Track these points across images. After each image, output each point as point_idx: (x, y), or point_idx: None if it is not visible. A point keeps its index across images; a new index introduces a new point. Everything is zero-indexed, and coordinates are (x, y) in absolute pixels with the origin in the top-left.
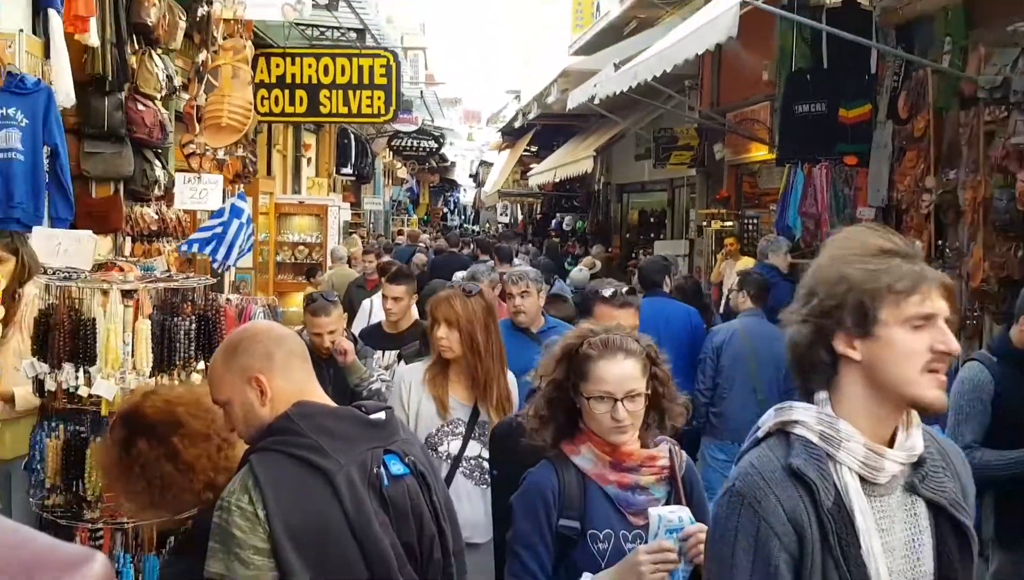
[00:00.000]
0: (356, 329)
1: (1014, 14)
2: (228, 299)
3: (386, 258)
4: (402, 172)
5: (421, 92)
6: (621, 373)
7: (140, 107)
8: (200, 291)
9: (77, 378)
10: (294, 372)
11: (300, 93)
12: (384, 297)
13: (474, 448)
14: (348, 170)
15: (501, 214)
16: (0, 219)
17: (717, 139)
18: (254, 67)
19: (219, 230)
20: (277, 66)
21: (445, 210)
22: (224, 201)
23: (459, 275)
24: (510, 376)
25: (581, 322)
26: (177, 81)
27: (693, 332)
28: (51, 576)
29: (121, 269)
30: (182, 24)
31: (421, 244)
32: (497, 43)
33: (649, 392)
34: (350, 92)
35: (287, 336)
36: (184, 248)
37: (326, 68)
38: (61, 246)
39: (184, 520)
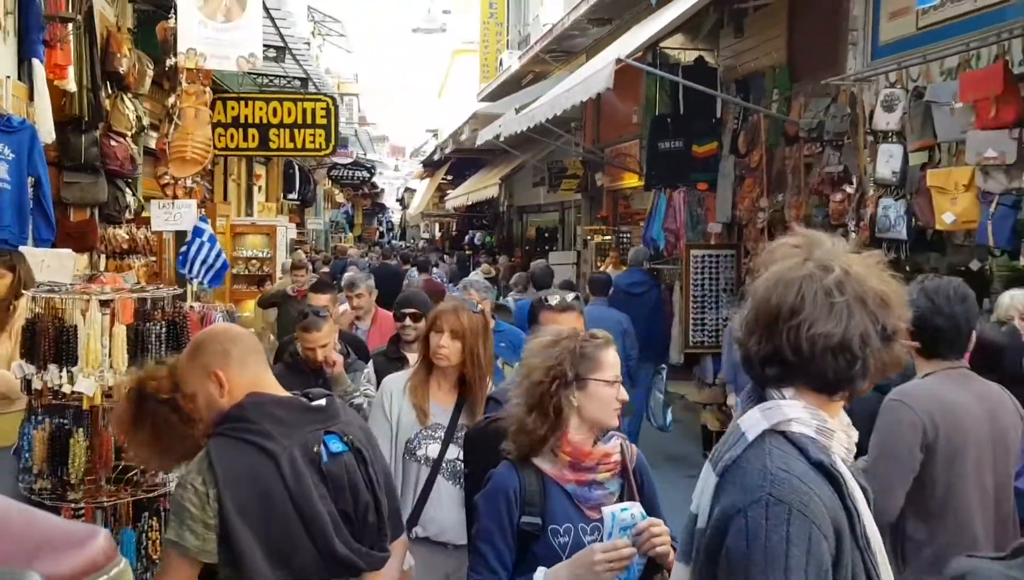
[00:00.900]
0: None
1: (826, 70)
2: (191, 306)
3: (325, 269)
4: (340, 197)
5: (355, 131)
6: (616, 360)
7: (113, 143)
8: (169, 300)
9: (61, 377)
10: (248, 366)
11: (252, 131)
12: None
13: (453, 451)
14: (293, 196)
15: (423, 232)
16: None
17: (598, 169)
18: (212, 109)
19: (184, 249)
20: (232, 108)
21: (380, 229)
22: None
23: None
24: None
25: (533, 328)
26: (145, 121)
27: (616, 325)
28: (63, 551)
29: (103, 281)
30: (150, 72)
31: (350, 257)
32: (417, 90)
33: None
34: (295, 130)
35: (242, 336)
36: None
37: (275, 110)
38: (44, 263)
39: (159, 497)
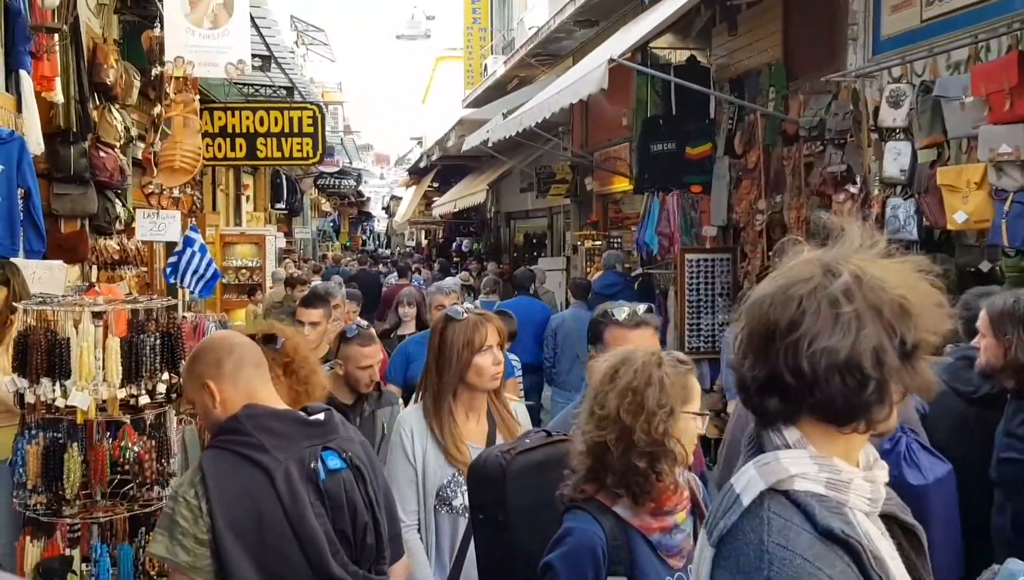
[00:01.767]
0: None
1: (824, 67)
2: (184, 316)
3: (316, 278)
4: (326, 206)
5: (341, 140)
6: (699, 388)
7: (102, 154)
8: (162, 311)
9: (54, 391)
10: (242, 379)
11: (240, 141)
12: (299, 322)
13: None
14: (281, 205)
15: (409, 239)
16: None
17: (587, 174)
18: (200, 118)
19: (174, 260)
20: (219, 118)
21: (364, 237)
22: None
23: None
24: (518, 406)
25: (597, 347)
26: (134, 132)
27: (543, 319)
28: None
29: (97, 292)
30: (137, 83)
31: (345, 265)
32: (401, 98)
33: None
34: (282, 139)
35: (239, 346)
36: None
37: (261, 120)
38: (35, 275)
39: (155, 512)
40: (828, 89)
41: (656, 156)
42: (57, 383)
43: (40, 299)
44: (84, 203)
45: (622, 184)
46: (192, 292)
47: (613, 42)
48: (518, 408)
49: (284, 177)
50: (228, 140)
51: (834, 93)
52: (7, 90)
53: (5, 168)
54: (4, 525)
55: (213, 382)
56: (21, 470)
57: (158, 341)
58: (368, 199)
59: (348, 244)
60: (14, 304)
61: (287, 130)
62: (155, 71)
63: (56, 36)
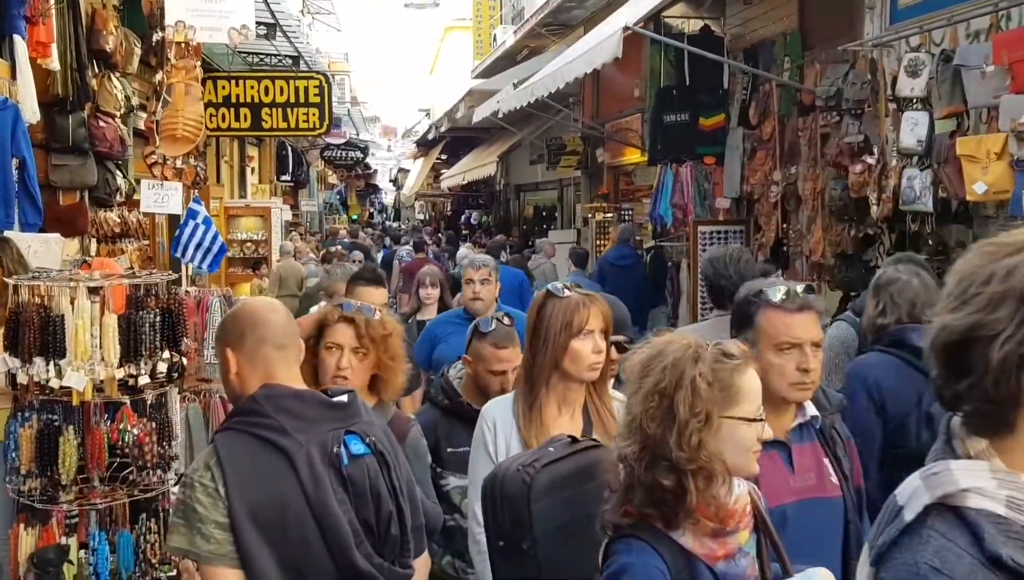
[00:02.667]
0: None
1: (840, 36)
2: (187, 291)
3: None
4: (333, 178)
5: (348, 111)
6: (758, 386)
7: (102, 124)
8: (163, 286)
9: (48, 371)
10: (260, 357)
11: (244, 111)
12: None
13: None
14: (287, 177)
15: (418, 213)
16: None
17: (598, 145)
18: (203, 87)
19: (177, 233)
20: (223, 88)
21: (372, 210)
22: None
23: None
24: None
25: (748, 335)
26: (135, 101)
27: (520, 285)
28: None
29: (88, 266)
30: (137, 51)
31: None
32: (408, 69)
33: None
34: (288, 110)
35: (267, 323)
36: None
37: (266, 89)
38: (31, 249)
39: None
40: (845, 59)
41: (669, 127)
42: (51, 363)
43: (33, 274)
44: (83, 174)
45: (634, 156)
46: (198, 267)
47: (626, 11)
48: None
49: (290, 149)
50: (232, 110)
51: (851, 63)
52: (0, 56)
53: None
54: None
55: (231, 352)
56: (14, 454)
57: (158, 318)
58: (375, 171)
59: (355, 218)
60: (5, 280)
61: (293, 100)
62: (156, 37)
63: (52, 0)
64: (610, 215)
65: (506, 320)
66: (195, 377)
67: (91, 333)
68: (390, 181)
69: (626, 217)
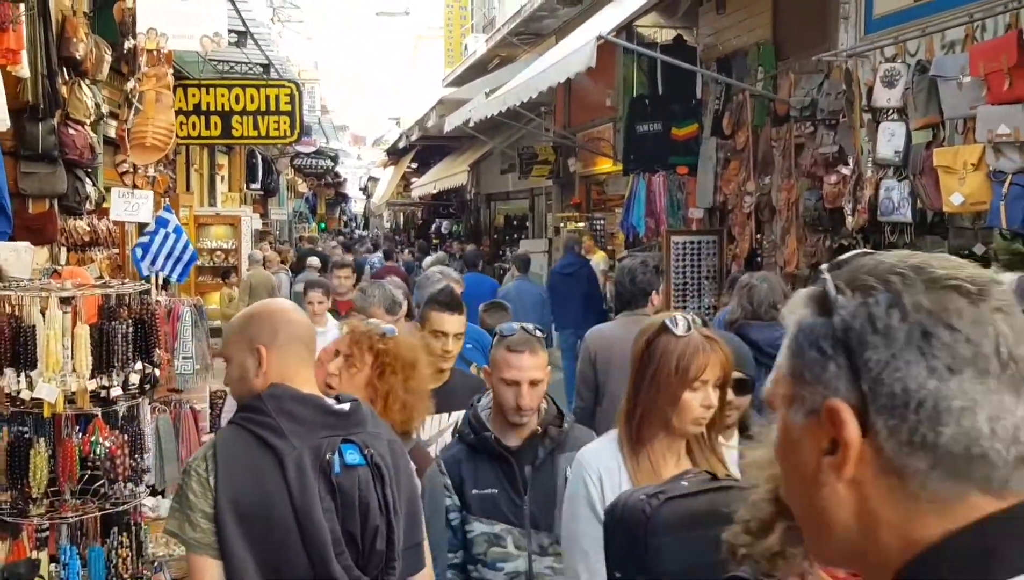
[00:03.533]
0: None
1: (814, 46)
2: (157, 301)
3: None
4: (302, 187)
5: (318, 119)
6: None
7: (72, 131)
8: (135, 296)
9: (19, 382)
10: (290, 354)
11: (215, 119)
12: (437, 333)
13: None
14: (256, 186)
15: (387, 221)
16: None
17: (570, 155)
18: (174, 95)
19: (146, 240)
20: (193, 95)
21: (344, 219)
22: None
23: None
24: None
25: None
26: (105, 108)
27: (491, 288)
28: None
29: (58, 276)
30: (108, 58)
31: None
32: (378, 78)
33: None
34: (259, 118)
35: (295, 323)
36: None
37: (237, 97)
38: (2, 257)
39: (129, 511)
40: (819, 69)
41: (642, 136)
42: (22, 374)
43: (4, 284)
44: (53, 182)
45: (605, 165)
46: (168, 277)
47: (598, 20)
48: (731, 455)
49: (260, 157)
50: (203, 118)
51: (826, 73)
52: None
53: None
54: None
55: (265, 348)
56: None
57: (131, 328)
58: (345, 180)
59: (323, 226)
60: None
61: (263, 108)
62: (127, 44)
63: (22, 6)
64: (582, 225)
65: (536, 331)
66: (165, 387)
67: (63, 344)
68: (360, 189)
69: (597, 226)
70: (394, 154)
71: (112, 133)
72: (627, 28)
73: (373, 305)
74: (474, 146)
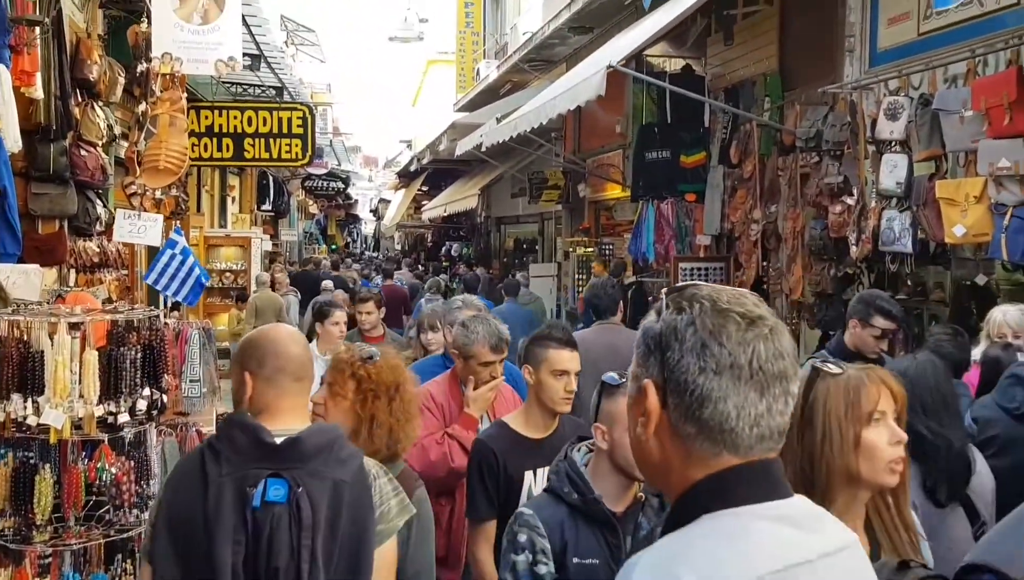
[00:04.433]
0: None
1: (820, 78)
2: (166, 323)
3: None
4: (313, 208)
5: (330, 141)
6: None
7: (83, 153)
8: (145, 321)
9: (26, 408)
10: (273, 385)
11: (227, 141)
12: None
13: None
14: (267, 207)
15: (397, 243)
16: None
17: (579, 180)
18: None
19: (154, 261)
20: (206, 117)
21: (349, 240)
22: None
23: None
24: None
25: None
26: (117, 130)
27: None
28: None
29: (64, 300)
30: (121, 80)
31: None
32: (390, 101)
33: None
34: (271, 140)
35: (284, 355)
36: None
37: (250, 119)
38: (10, 280)
39: (132, 538)
40: (824, 100)
41: (651, 164)
42: (29, 399)
43: (13, 308)
44: (63, 203)
45: (615, 191)
46: (177, 299)
47: (608, 49)
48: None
49: (271, 178)
50: (215, 140)
51: (831, 104)
52: None
53: None
54: None
55: (250, 377)
56: None
57: (139, 354)
58: (356, 201)
59: (335, 247)
60: None
61: (276, 131)
62: (140, 68)
63: (37, 29)
64: (591, 249)
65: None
66: (172, 410)
67: (71, 369)
68: (370, 211)
69: (606, 251)
70: (405, 177)
71: (123, 154)
72: (637, 57)
73: (477, 342)
74: (485, 170)
